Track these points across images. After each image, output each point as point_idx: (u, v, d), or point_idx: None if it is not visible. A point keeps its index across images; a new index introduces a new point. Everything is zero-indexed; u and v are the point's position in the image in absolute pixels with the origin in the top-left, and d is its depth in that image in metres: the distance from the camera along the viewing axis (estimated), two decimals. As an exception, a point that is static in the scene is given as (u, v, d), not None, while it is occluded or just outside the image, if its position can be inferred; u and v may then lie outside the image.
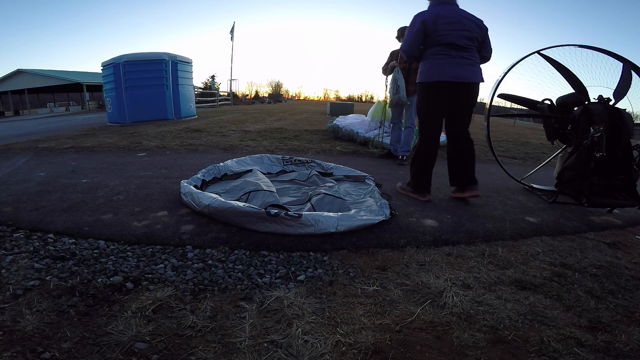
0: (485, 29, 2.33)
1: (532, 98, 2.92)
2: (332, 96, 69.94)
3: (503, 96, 2.96)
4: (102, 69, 7.81)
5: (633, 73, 2.64)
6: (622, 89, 2.60)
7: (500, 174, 3.36)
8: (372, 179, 2.80)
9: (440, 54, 2.27)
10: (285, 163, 3.16)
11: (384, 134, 4.81)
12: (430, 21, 2.27)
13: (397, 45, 3.91)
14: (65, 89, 27.34)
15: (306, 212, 1.89)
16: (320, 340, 1.06)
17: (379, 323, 1.16)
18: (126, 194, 2.36)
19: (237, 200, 2.08)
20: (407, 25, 3.71)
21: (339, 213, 1.89)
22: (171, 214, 2.02)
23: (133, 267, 1.45)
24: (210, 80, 32.61)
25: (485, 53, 2.39)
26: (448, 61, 2.26)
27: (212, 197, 1.94)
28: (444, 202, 2.49)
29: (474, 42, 2.29)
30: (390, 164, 3.80)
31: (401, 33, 3.74)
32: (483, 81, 2.37)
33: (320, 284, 1.39)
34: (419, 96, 2.48)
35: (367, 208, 2.14)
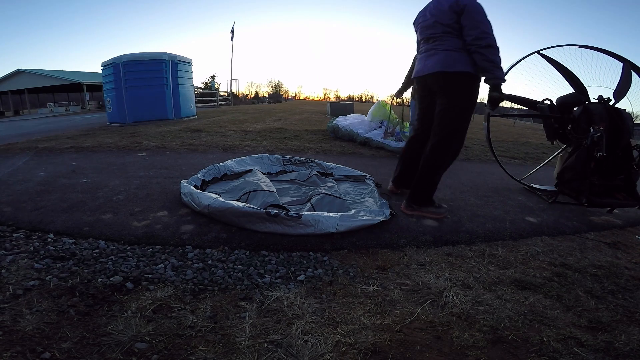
0: (455, 8, 1.93)
1: (532, 98, 2.91)
2: (332, 96, 69.99)
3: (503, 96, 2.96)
4: (102, 69, 7.81)
5: (633, 73, 2.64)
6: (622, 89, 2.60)
7: (500, 174, 3.36)
8: (372, 179, 2.80)
9: (418, 52, 2.25)
10: (285, 163, 3.16)
11: (390, 135, 4.86)
12: (413, 22, 2.27)
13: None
14: (65, 89, 27.34)
15: (306, 212, 1.89)
16: (320, 340, 1.06)
17: (379, 323, 1.16)
18: (126, 194, 2.36)
19: (237, 200, 2.08)
20: None
21: (339, 213, 1.89)
22: (171, 214, 2.02)
23: (133, 267, 1.45)
24: (210, 80, 32.62)
25: (467, 37, 1.92)
26: (419, 57, 2.21)
27: (212, 197, 1.94)
28: (444, 202, 2.49)
29: (439, 28, 2.00)
30: (390, 164, 3.80)
31: None
32: (451, 70, 1.98)
33: (320, 284, 1.39)
34: None
35: (367, 208, 2.14)
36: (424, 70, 2.10)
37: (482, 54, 1.87)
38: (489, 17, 1.95)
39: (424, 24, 2.10)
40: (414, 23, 2.25)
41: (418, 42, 2.25)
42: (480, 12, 1.91)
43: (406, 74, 4.09)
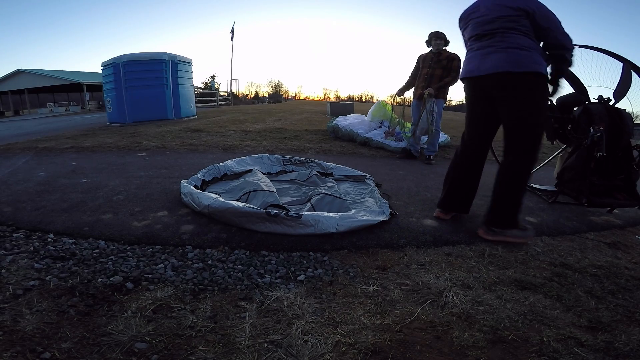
0: (523, 6, 1.73)
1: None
2: (332, 96, 69.97)
3: None
4: (102, 69, 7.82)
5: (633, 73, 2.63)
6: (622, 89, 2.59)
7: (500, 174, 3.36)
8: (372, 179, 2.80)
9: (468, 50, 1.95)
10: (285, 163, 3.16)
11: (390, 135, 4.87)
12: (461, 18, 2.01)
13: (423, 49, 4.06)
14: (65, 89, 27.34)
15: (306, 212, 1.89)
16: (320, 340, 1.06)
17: (379, 323, 1.16)
18: (126, 194, 2.36)
19: (237, 200, 2.08)
20: (438, 30, 3.85)
21: (339, 213, 1.89)
22: (171, 214, 2.02)
23: (133, 267, 1.45)
24: (210, 80, 32.60)
25: (550, 39, 1.78)
26: (471, 55, 1.91)
27: (212, 197, 1.94)
28: (444, 202, 2.48)
29: (499, 23, 1.77)
30: (390, 164, 3.80)
31: (434, 37, 3.83)
32: (519, 70, 1.71)
33: (320, 284, 1.39)
34: None
35: (367, 208, 2.14)
36: (480, 70, 1.81)
37: (569, 61, 1.83)
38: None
39: (480, 20, 1.83)
40: (463, 19, 1.98)
41: (467, 40, 1.98)
42: (553, 14, 1.77)
43: (410, 74, 4.14)
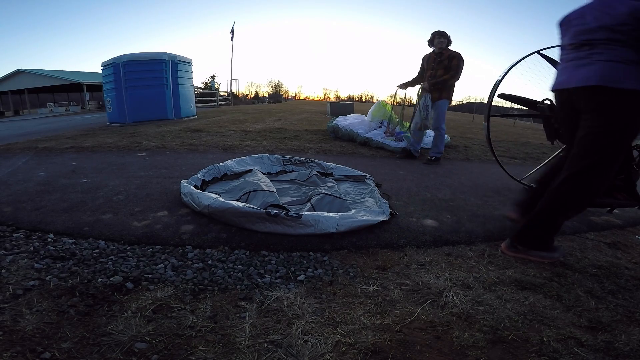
0: (638, 14, 1.47)
1: (532, 98, 2.91)
2: (332, 96, 70.01)
3: (503, 96, 2.96)
4: (102, 69, 7.82)
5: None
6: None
7: (500, 174, 3.36)
8: (372, 179, 2.80)
9: (562, 59, 1.77)
10: (285, 163, 3.16)
11: (390, 135, 4.87)
12: (562, 22, 1.81)
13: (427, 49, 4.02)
14: (65, 89, 27.35)
15: (306, 212, 1.89)
16: (320, 340, 1.06)
17: (379, 323, 1.16)
18: (126, 194, 2.36)
19: (237, 200, 2.08)
20: (440, 29, 3.85)
21: (339, 213, 1.89)
22: (171, 214, 2.02)
23: (133, 267, 1.45)
24: (210, 80, 32.60)
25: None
26: (562, 66, 1.76)
27: (212, 197, 1.94)
28: (444, 202, 2.49)
29: (603, 33, 1.56)
30: (390, 164, 3.80)
31: (437, 35, 3.83)
32: (616, 86, 1.49)
33: (320, 284, 1.39)
34: None
35: (367, 208, 2.14)
36: (571, 82, 1.63)
37: None
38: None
39: (582, 28, 1.64)
40: (562, 24, 1.79)
41: (563, 47, 1.78)
42: None
43: (417, 74, 4.13)
